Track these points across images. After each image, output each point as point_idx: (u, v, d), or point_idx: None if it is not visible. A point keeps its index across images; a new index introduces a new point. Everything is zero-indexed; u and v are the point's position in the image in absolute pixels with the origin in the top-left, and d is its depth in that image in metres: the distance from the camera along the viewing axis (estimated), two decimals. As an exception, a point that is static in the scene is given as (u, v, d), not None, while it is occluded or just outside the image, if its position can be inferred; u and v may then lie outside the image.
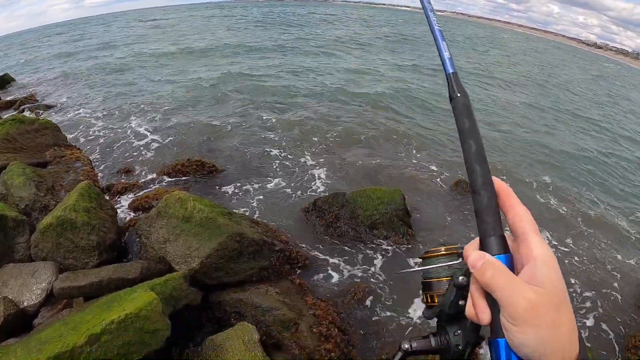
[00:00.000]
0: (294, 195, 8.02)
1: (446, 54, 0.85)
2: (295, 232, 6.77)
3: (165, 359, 3.79)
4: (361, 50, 29.27)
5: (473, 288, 0.70)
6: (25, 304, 4.42)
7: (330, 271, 6.00)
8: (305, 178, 8.75)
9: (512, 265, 0.67)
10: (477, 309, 0.69)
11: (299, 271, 5.80)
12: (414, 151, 10.96)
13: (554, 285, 0.61)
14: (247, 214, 6.98)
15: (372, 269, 6.14)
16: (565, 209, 9.19)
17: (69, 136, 10.20)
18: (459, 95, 0.80)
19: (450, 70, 0.83)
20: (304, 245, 6.40)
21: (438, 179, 9.36)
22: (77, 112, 13.35)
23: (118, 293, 3.99)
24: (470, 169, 0.72)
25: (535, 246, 0.64)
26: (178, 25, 46.49)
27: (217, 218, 5.08)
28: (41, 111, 13.37)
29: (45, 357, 3.02)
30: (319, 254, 6.28)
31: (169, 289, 4.06)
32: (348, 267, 6.12)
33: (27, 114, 12.70)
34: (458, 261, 0.84)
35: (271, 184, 8.36)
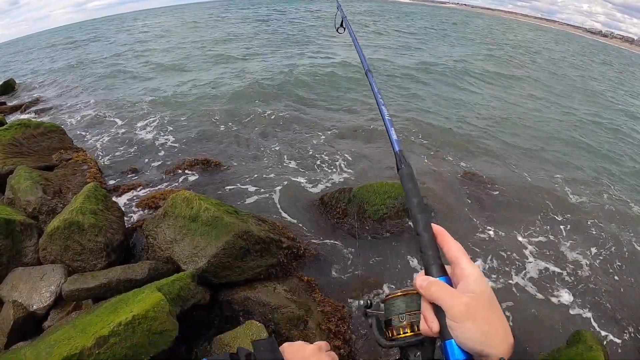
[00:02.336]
0: (300, 191, 7.99)
1: (394, 137, 1.20)
2: (302, 228, 6.75)
3: (174, 359, 3.79)
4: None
5: (423, 306, 0.88)
6: (35, 307, 4.44)
7: (338, 267, 5.96)
8: (312, 174, 8.71)
9: (450, 284, 0.85)
10: (427, 321, 0.85)
11: (307, 268, 5.79)
12: (419, 141, 10.90)
13: (483, 292, 0.80)
14: (253, 211, 6.96)
15: (381, 263, 6.11)
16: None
17: (75, 138, 10.24)
18: (403, 166, 1.08)
19: (397, 149, 1.15)
20: (311, 242, 6.37)
21: (445, 170, 9.29)
22: (82, 114, 13.38)
23: (126, 294, 3.99)
24: (414, 217, 0.96)
25: (466, 267, 0.85)
26: (184, 25, 46.25)
27: (224, 217, 5.06)
28: (46, 115, 13.43)
29: (54, 360, 3.02)
30: (327, 250, 6.24)
31: (176, 289, 4.05)
32: (356, 262, 6.09)
33: (32, 118, 12.78)
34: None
35: (278, 181, 8.33)
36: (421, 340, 0.92)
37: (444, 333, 0.81)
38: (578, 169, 11.14)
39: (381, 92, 1.48)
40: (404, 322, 0.97)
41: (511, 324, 5.50)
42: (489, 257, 6.66)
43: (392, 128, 1.25)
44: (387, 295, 1.06)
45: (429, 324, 0.84)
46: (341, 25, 2.66)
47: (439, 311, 0.83)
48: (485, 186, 8.86)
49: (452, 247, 0.89)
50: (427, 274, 0.89)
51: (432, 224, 0.94)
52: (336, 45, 26.59)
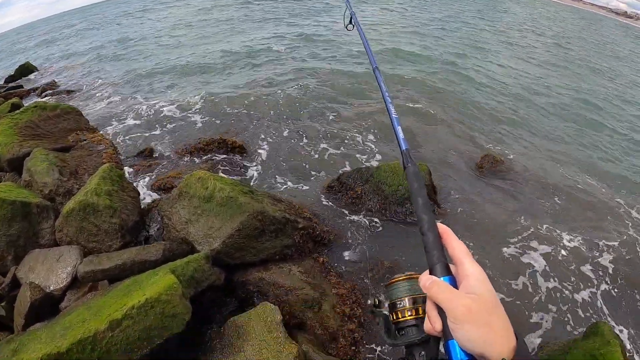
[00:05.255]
0: (317, 171, 7.88)
1: (401, 135, 1.25)
2: (319, 209, 6.66)
3: (187, 341, 3.77)
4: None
5: (428, 304, 0.89)
6: (52, 288, 4.46)
7: (354, 249, 5.88)
8: (329, 153, 8.59)
9: (454, 284, 0.87)
10: (430, 320, 0.87)
11: (322, 249, 5.71)
12: (438, 123, 10.67)
13: (484, 294, 0.81)
14: (270, 191, 6.89)
15: (398, 246, 5.99)
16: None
17: (92, 119, 10.25)
18: (409, 165, 1.11)
19: (404, 147, 1.19)
20: (328, 222, 6.29)
21: (464, 153, 9.06)
22: (98, 95, 13.43)
23: (140, 276, 3.98)
24: (419, 217, 0.98)
25: (469, 267, 0.86)
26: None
27: (238, 197, 5.00)
28: (63, 96, 13.49)
29: (68, 343, 3.02)
30: (343, 230, 6.16)
31: (190, 270, 4.02)
32: (373, 244, 5.99)
33: (49, 100, 12.84)
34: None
35: (295, 160, 8.25)
36: (426, 339, 0.93)
37: (446, 333, 0.83)
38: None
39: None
40: (408, 305, 1.00)
41: (534, 313, 5.39)
42: (508, 244, 6.52)
43: (399, 126, 1.30)
44: (390, 279, 1.08)
45: (432, 323, 0.87)
46: (350, 22, 2.66)
47: (441, 311, 0.84)
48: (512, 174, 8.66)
49: (456, 247, 0.91)
50: (431, 273, 0.91)
51: (438, 224, 0.96)
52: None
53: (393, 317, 1.02)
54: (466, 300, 0.80)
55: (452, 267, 0.91)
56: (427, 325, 0.90)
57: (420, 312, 0.98)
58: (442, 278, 0.88)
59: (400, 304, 1.02)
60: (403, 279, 1.05)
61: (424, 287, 0.89)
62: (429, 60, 17.72)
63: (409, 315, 0.99)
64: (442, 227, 0.95)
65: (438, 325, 0.85)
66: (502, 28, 31.87)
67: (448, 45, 21.89)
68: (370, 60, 1.92)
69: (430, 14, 35.61)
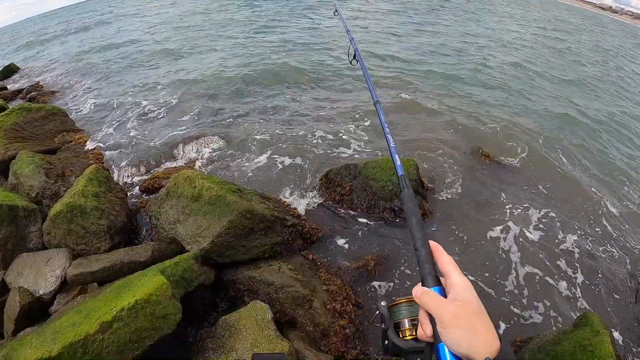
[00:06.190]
0: (306, 168, 7.88)
1: (398, 163, 1.42)
2: (308, 205, 6.68)
3: (179, 341, 3.78)
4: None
5: (420, 312, 1.00)
6: (41, 292, 4.44)
7: (343, 245, 5.90)
8: (317, 150, 8.59)
9: (443, 294, 0.98)
10: (422, 327, 0.97)
11: (312, 246, 5.73)
12: (426, 116, 10.70)
13: (469, 301, 0.91)
14: (258, 189, 6.88)
15: (387, 240, 6.03)
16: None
17: (78, 121, 10.17)
18: (405, 189, 1.28)
19: (401, 173, 1.36)
20: (317, 219, 6.30)
21: (453, 146, 9.08)
22: (84, 96, 13.28)
23: (129, 277, 3.97)
24: (413, 235, 1.12)
25: (455, 278, 0.97)
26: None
27: (227, 196, 4.99)
28: (49, 99, 13.34)
29: (59, 347, 3.02)
30: (332, 227, 6.18)
31: (179, 270, 4.02)
32: (362, 239, 6.02)
33: (34, 102, 12.69)
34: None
35: (283, 158, 8.23)
36: (422, 347, 1.01)
37: (435, 337, 0.92)
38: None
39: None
40: (408, 326, 1.10)
41: (523, 301, 5.45)
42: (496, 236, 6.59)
43: (397, 155, 1.47)
44: (392, 302, 1.18)
45: (423, 329, 0.97)
46: (354, 57, 2.88)
47: (432, 318, 0.93)
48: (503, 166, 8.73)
49: (445, 261, 1.03)
50: (423, 284, 1.02)
51: (430, 241, 1.09)
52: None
53: (399, 336, 1.11)
54: (453, 307, 0.90)
55: (442, 279, 1.02)
56: (419, 331, 1.00)
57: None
58: (432, 288, 0.99)
59: (403, 324, 1.11)
60: (404, 302, 1.14)
61: (416, 297, 0.99)
62: (417, 56, 17.75)
63: (410, 335, 1.08)
64: (433, 244, 1.07)
65: (429, 331, 0.94)
66: (490, 25, 31.94)
67: (436, 40, 21.96)
68: (371, 94, 2.08)
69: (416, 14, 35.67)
